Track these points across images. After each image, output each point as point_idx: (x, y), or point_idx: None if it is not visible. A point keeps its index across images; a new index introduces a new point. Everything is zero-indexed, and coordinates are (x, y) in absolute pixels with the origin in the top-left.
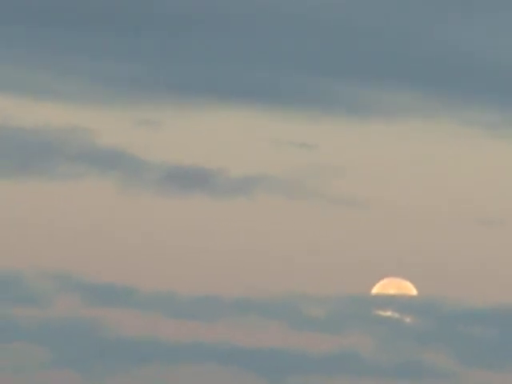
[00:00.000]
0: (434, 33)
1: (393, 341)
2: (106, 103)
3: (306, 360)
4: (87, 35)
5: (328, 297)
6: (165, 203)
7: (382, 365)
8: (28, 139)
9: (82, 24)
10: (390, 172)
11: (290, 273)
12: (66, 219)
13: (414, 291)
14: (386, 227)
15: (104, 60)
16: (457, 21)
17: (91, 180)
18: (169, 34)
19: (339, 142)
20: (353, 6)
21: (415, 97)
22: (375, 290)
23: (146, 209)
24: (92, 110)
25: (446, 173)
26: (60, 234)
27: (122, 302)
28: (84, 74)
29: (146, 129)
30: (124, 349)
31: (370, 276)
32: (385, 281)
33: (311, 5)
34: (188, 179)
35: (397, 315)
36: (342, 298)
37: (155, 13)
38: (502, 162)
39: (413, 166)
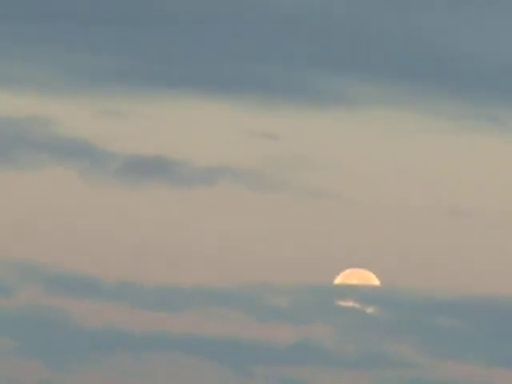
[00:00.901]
0: (398, 21)
1: (355, 331)
2: (68, 93)
3: (269, 350)
4: (51, 25)
5: (290, 287)
6: (126, 193)
7: (344, 355)
8: None
9: (47, 13)
10: (353, 162)
11: (252, 263)
12: (29, 209)
13: (376, 282)
14: (348, 218)
15: (68, 49)
16: (421, 8)
17: (53, 169)
18: (136, 23)
19: (301, 132)
20: None
21: (378, 86)
22: (337, 281)
23: (108, 198)
24: (54, 100)
25: (408, 163)
26: (22, 224)
27: (85, 292)
28: (47, 64)
29: (109, 119)
30: (88, 339)
31: (333, 266)
32: (347, 271)
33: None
34: (150, 169)
35: (359, 305)
36: (305, 288)
37: (123, 2)
38: (466, 154)
39: (375, 156)
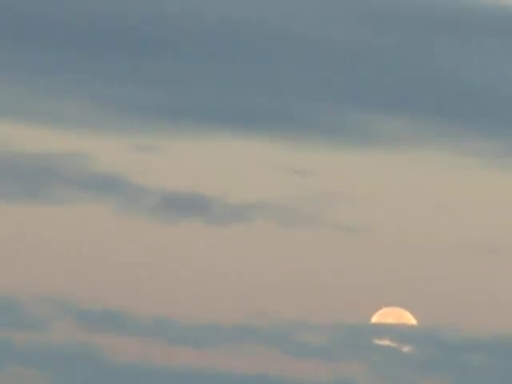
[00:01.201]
0: (434, 60)
1: (391, 370)
2: (105, 128)
3: None
4: (87, 60)
5: (327, 325)
6: (161, 229)
7: None
8: (27, 165)
9: (82, 48)
10: (389, 199)
11: (289, 300)
12: (64, 244)
13: (412, 321)
14: (384, 255)
15: (103, 85)
16: (455, 48)
17: (88, 205)
18: (170, 59)
19: (338, 169)
20: (355, 35)
21: (414, 125)
22: (374, 319)
23: (143, 235)
24: (90, 135)
25: (444, 201)
26: (58, 259)
27: (120, 327)
28: (82, 99)
29: (144, 154)
30: (123, 374)
31: (369, 305)
32: (383, 310)
33: (311, 34)
34: (185, 205)
35: (395, 344)
36: (341, 326)
37: (156, 38)
38: (499, 192)
39: (411, 194)
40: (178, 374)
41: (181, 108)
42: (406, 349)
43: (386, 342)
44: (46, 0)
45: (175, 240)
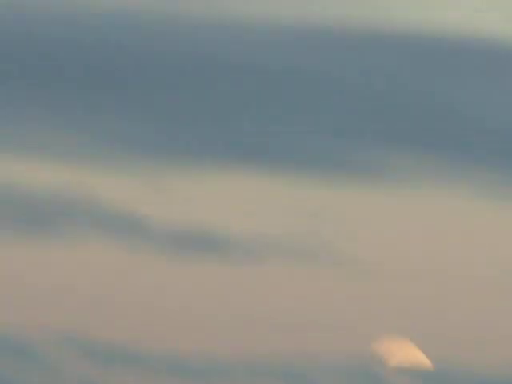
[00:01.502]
0: (447, 97)
1: None
2: (115, 165)
3: None
4: (89, 92)
5: (336, 366)
6: (172, 268)
7: None
8: (29, 201)
9: (84, 82)
10: (403, 237)
11: (302, 341)
12: (73, 283)
13: (427, 363)
14: (399, 295)
15: (107, 119)
16: (472, 84)
17: (96, 243)
18: (173, 93)
19: (349, 206)
20: (366, 71)
21: (428, 161)
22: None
23: (153, 274)
24: (95, 171)
25: (460, 240)
26: (66, 297)
27: (133, 365)
28: (96, 135)
29: (155, 193)
30: None
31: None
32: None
33: (320, 68)
34: (196, 244)
35: None
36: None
37: (156, 71)
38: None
39: (426, 231)
40: None
41: (190, 144)
42: None
43: None
44: (44, 38)
45: (186, 279)
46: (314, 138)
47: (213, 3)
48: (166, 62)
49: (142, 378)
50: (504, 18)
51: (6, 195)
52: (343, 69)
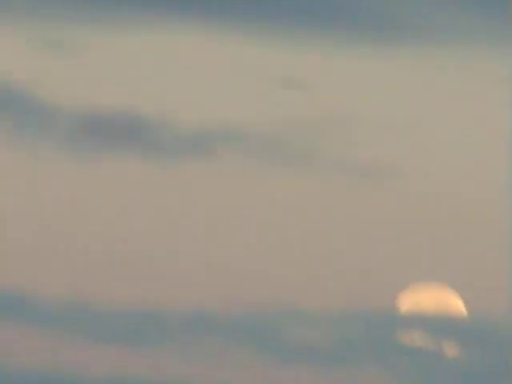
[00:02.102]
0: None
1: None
2: None
3: None
4: None
5: (327, 314)
6: (73, 166)
7: None
8: None
9: None
10: (417, 128)
11: (276, 281)
12: None
13: (462, 309)
14: (414, 210)
15: None
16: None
17: None
18: None
19: (341, 81)
20: None
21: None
22: (403, 306)
23: (51, 175)
24: None
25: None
26: None
27: None
28: None
29: (54, 55)
30: None
31: (393, 286)
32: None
33: None
34: (115, 131)
35: (434, 344)
36: (352, 316)
37: None
38: None
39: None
40: None
41: None
42: (450, 351)
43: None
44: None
45: (100, 182)
46: None
47: None
48: None
49: None
50: None
51: None
52: None
